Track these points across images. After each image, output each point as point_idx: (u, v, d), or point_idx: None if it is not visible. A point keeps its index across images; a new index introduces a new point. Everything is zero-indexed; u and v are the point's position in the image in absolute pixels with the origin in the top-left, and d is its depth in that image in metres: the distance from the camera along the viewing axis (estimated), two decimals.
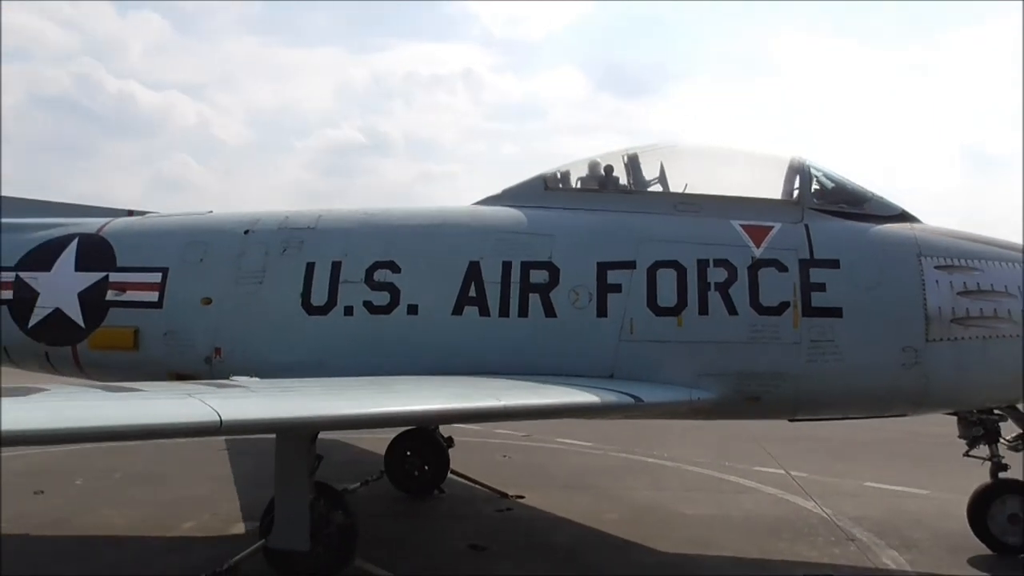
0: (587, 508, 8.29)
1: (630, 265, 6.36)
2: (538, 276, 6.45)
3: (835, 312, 6.05)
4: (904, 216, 6.53)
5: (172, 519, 7.87)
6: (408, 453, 8.96)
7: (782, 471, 10.19)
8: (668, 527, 7.53)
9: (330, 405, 4.58)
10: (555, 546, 7.05)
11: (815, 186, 6.61)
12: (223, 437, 12.08)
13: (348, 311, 6.66)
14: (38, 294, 7.25)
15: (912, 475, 9.79)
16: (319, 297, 6.73)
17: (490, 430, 12.62)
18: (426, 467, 8.88)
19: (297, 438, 5.63)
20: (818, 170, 6.70)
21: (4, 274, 7.37)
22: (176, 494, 9.03)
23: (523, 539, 7.27)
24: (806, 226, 6.36)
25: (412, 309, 6.58)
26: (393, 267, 6.69)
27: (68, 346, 7.18)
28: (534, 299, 6.41)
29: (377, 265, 6.71)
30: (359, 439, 12.32)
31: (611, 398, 5.44)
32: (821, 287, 6.12)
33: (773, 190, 6.72)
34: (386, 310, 6.61)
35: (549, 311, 6.37)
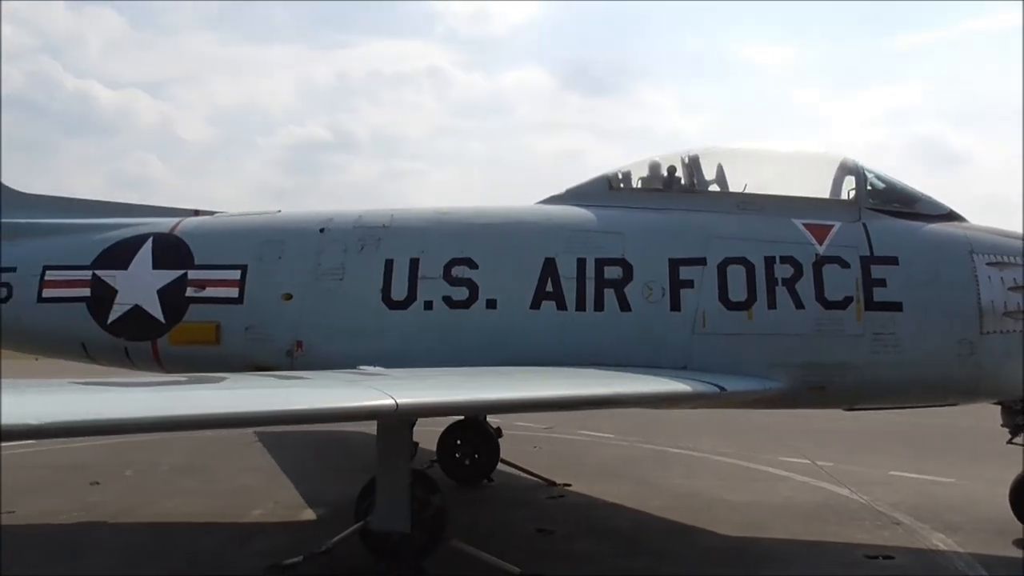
0: (632, 495, 8.64)
1: (701, 262, 6.71)
2: (612, 272, 6.78)
3: (895, 306, 6.46)
4: (952, 215, 6.97)
5: (238, 508, 8.07)
6: (459, 443, 9.25)
7: (807, 461, 10.63)
8: (716, 513, 7.88)
9: (495, 391, 4.84)
10: (618, 530, 7.39)
11: (869, 186, 7.02)
12: (251, 430, 12.34)
13: (428, 305, 6.92)
14: (116, 291, 7.39)
15: (931, 465, 10.27)
16: (399, 292, 6.99)
17: (511, 422, 12.92)
18: (476, 456, 9.18)
19: (398, 426, 5.90)
20: (871, 171, 7.11)
21: (81, 272, 7.51)
22: (229, 485, 9.22)
23: (584, 524, 7.60)
24: (864, 225, 6.76)
25: (491, 304, 6.86)
26: (470, 264, 6.96)
27: (148, 341, 7.33)
28: (609, 294, 6.73)
29: (455, 262, 6.98)
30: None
31: (701, 388, 5.79)
32: (882, 283, 6.52)
33: (829, 190, 7.12)
34: (465, 304, 6.88)
35: (624, 305, 6.70)
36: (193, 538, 7.01)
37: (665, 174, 7.40)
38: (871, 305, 6.49)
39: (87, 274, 7.49)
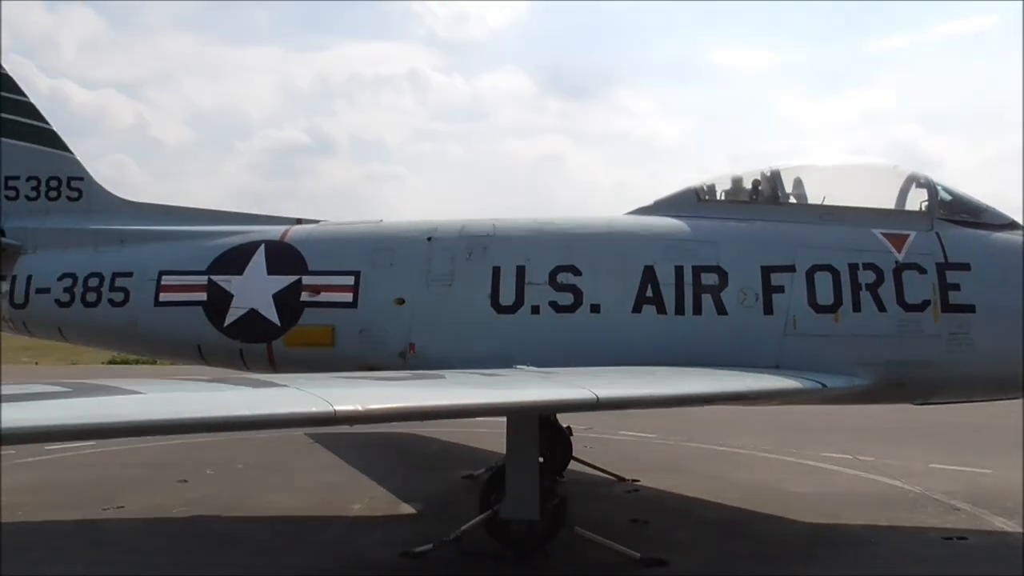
0: (703, 489, 9.18)
1: (790, 268, 7.27)
2: (709, 278, 7.31)
3: (969, 308, 7.07)
4: (1013, 224, 7.62)
5: (337, 503, 8.47)
6: None
7: (849, 456, 11.27)
8: (790, 503, 8.45)
9: (670, 387, 5.34)
10: (707, 519, 7.93)
11: (939, 198, 7.64)
12: (301, 432, 12.70)
13: (535, 310, 7.40)
14: (232, 295, 7.77)
15: (965, 457, 10.95)
16: (507, 297, 7.45)
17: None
18: (548, 454, 9.63)
19: (528, 421, 6.38)
20: (939, 184, 7.73)
21: (196, 277, 7.87)
22: (315, 482, 9.59)
23: (674, 514, 8.13)
24: (937, 234, 7.36)
25: (595, 308, 7.35)
26: (574, 270, 7.46)
27: (263, 344, 7.72)
28: (706, 299, 7.26)
29: (559, 269, 7.47)
30: (439, 432, 13.00)
31: (808, 384, 6.34)
32: (956, 287, 7.13)
33: (899, 201, 7.73)
34: (570, 309, 7.37)
35: (720, 309, 7.24)
36: (313, 530, 7.41)
37: (749, 187, 7.96)
38: (947, 307, 7.10)
39: (203, 279, 7.86)
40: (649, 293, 7.33)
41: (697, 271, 7.33)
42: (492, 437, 12.47)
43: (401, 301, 7.60)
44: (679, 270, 7.35)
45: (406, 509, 8.32)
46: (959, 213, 7.58)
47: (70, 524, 7.66)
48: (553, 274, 7.46)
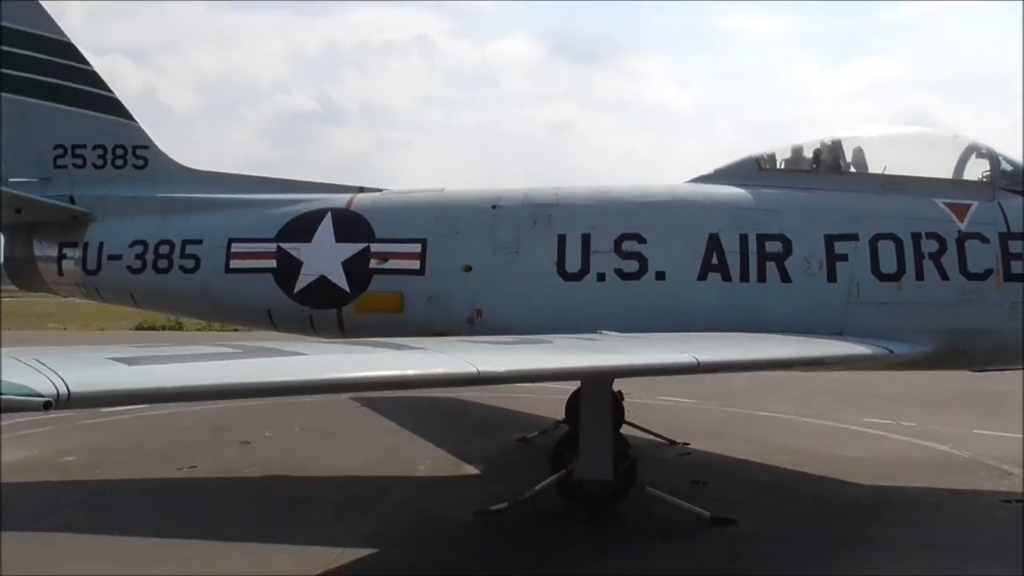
0: (754, 452, 9.38)
1: (853, 237, 7.36)
2: (773, 246, 7.41)
3: None
4: None
5: (401, 465, 8.73)
6: None
7: (891, 421, 11.42)
8: (843, 466, 8.62)
9: (762, 352, 5.53)
10: (763, 482, 8.13)
11: (1000, 168, 7.68)
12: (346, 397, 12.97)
13: (600, 277, 7.54)
14: (302, 263, 7.94)
15: (1005, 423, 11.05)
16: (572, 265, 7.59)
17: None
18: None
19: (603, 384, 6.57)
20: (1002, 155, 7.77)
21: (266, 244, 8.04)
22: (374, 444, 9.83)
23: (731, 477, 8.33)
24: (999, 204, 7.42)
25: (660, 275, 7.49)
26: (639, 238, 7.57)
27: (333, 310, 7.91)
28: (770, 267, 7.38)
29: (624, 237, 7.59)
30: (480, 398, 13.24)
31: (877, 351, 6.49)
32: (1018, 256, 7.20)
33: (962, 172, 7.77)
34: (636, 276, 7.50)
35: (784, 277, 7.35)
36: (384, 490, 7.67)
37: (810, 156, 8.02)
38: (1009, 276, 7.18)
39: (272, 246, 8.03)
40: (714, 261, 7.45)
41: (761, 239, 7.43)
42: (532, 402, 12.78)
43: (468, 268, 7.75)
44: (743, 238, 7.45)
45: (469, 470, 8.57)
46: (1021, 183, 7.62)
47: (149, 482, 7.96)
48: (618, 242, 7.58)
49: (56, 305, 55.89)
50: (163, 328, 34.84)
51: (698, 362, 4.60)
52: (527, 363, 3.87)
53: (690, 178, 8.29)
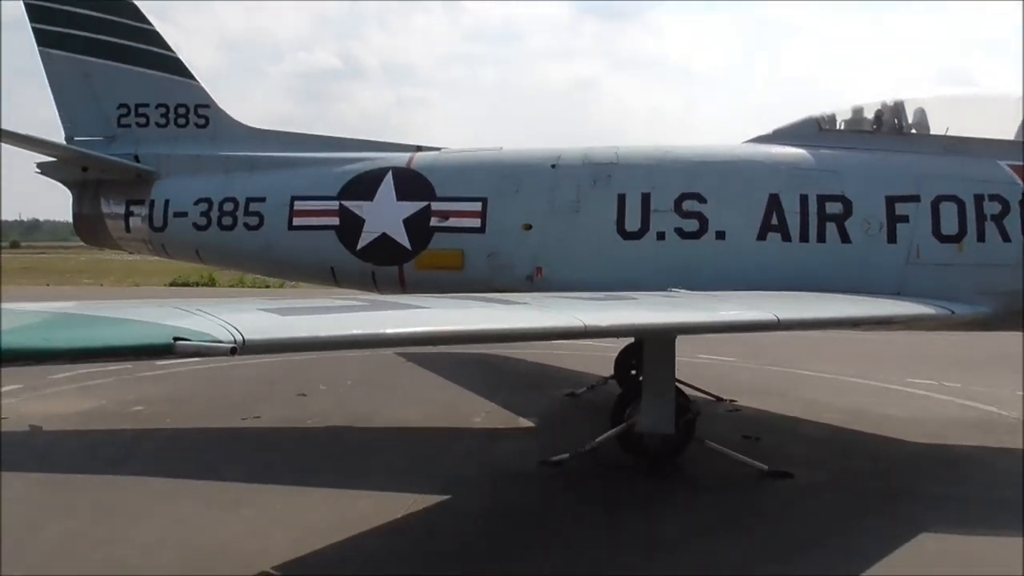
0: (802, 410, 9.52)
1: (915, 199, 7.38)
2: (833, 207, 7.45)
3: None
4: None
5: (457, 417, 8.99)
6: (633, 361, 10.10)
7: (934, 382, 11.50)
8: (893, 425, 8.74)
9: (832, 310, 5.66)
10: (816, 438, 8.29)
11: None
12: (399, 351, 13.25)
13: (660, 236, 7.64)
14: (364, 220, 8.11)
15: None
16: (632, 224, 7.69)
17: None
18: None
19: (666, 341, 6.72)
20: None
21: (328, 202, 8.21)
22: (425, 397, 10.09)
23: (782, 433, 8.49)
24: None
25: (720, 235, 7.57)
26: (699, 198, 7.64)
27: (395, 266, 8.10)
28: (831, 227, 7.43)
29: (684, 196, 7.66)
30: (521, 354, 13.47)
31: (940, 311, 6.56)
32: None
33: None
34: (695, 236, 7.60)
35: (844, 238, 7.40)
36: (447, 440, 7.94)
37: (871, 117, 7.99)
38: None
39: (334, 204, 8.20)
40: (774, 221, 7.51)
41: (822, 200, 7.47)
42: (572, 358, 12.99)
43: (528, 227, 7.88)
44: (804, 199, 7.50)
45: (524, 423, 8.80)
46: None
47: (219, 431, 8.28)
48: (679, 201, 7.66)
49: (87, 261, 57.06)
50: (196, 284, 35.50)
51: (778, 319, 4.73)
52: (626, 318, 4.02)
53: (747, 138, 8.33)
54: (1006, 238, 7.23)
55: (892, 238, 7.35)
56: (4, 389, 9.96)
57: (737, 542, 5.35)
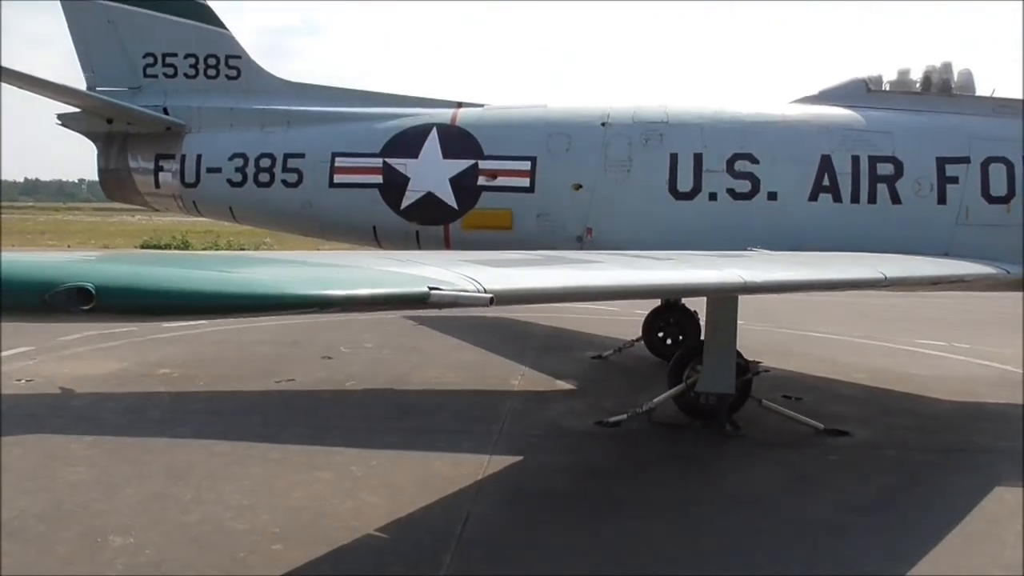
0: (829, 370, 9.70)
1: (965, 160, 7.48)
2: (884, 168, 7.52)
3: None
4: None
5: (492, 379, 8.95)
6: (662, 324, 10.17)
7: (944, 343, 11.80)
8: (920, 383, 8.97)
9: (909, 270, 5.68)
10: (852, 396, 8.44)
11: None
12: (407, 314, 13.14)
13: (712, 197, 7.62)
14: (408, 178, 7.92)
15: None
16: (684, 184, 7.66)
17: (630, 310, 13.80)
18: (680, 336, 10.10)
19: (729, 300, 6.74)
20: None
21: (371, 160, 7.99)
22: (453, 359, 10.01)
23: (820, 393, 8.61)
24: None
25: (772, 196, 7.58)
26: (751, 158, 7.63)
27: (440, 226, 7.95)
28: (881, 188, 7.50)
29: (736, 156, 7.64)
30: (534, 318, 13.45)
31: (996, 271, 6.69)
32: None
33: None
34: (747, 196, 7.60)
35: (895, 199, 7.48)
36: (494, 402, 7.87)
37: (918, 78, 8.03)
38: None
39: (377, 161, 7.99)
40: (826, 182, 7.55)
41: (873, 161, 7.53)
42: (577, 322, 13.03)
43: (579, 186, 7.79)
44: (855, 160, 7.54)
45: (563, 385, 8.79)
46: None
47: (257, 394, 8.09)
48: (731, 162, 7.64)
49: (47, 222, 55.22)
50: (168, 247, 34.65)
51: (885, 277, 4.76)
52: (781, 275, 4.06)
53: (794, 99, 8.31)
54: None
55: (942, 199, 7.46)
56: (14, 351, 9.67)
57: (822, 497, 5.44)
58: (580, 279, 3.06)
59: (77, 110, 8.52)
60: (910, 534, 4.86)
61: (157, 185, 8.47)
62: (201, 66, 8.54)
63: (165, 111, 8.45)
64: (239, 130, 8.32)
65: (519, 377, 9.10)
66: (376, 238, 8.23)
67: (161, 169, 8.40)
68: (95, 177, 8.95)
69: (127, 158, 8.46)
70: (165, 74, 8.54)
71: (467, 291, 2.51)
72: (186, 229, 37.35)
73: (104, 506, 5.05)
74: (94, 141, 8.62)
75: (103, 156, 8.57)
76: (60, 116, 8.58)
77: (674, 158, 7.69)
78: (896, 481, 5.82)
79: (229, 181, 8.22)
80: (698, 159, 7.67)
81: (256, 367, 9.27)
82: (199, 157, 8.30)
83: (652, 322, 10.22)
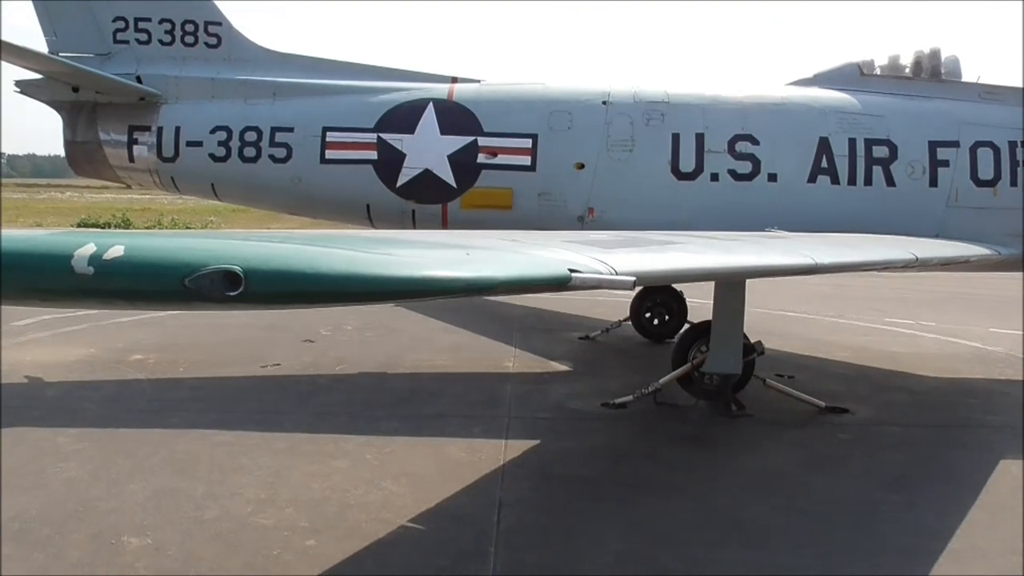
0: (814, 349, 9.85)
1: (955, 144, 7.64)
2: (880, 151, 7.62)
3: None
4: None
5: (488, 362, 8.78)
6: (649, 305, 10.16)
7: (911, 321, 12.15)
8: (901, 360, 9.19)
9: (931, 251, 5.73)
10: (843, 375, 8.57)
11: None
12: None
13: (714, 177, 7.60)
14: (404, 155, 7.64)
15: (1007, 322, 11.94)
16: (686, 164, 7.61)
17: (628, 293, 13.78)
18: (667, 317, 10.12)
19: (735, 283, 6.73)
20: None
21: (365, 135, 7.68)
22: (441, 342, 9.78)
23: (810, 371, 8.71)
24: None
25: (772, 177, 7.61)
26: (752, 140, 7.63)
27: (438, 205, 7.71)
28: (877, 171, 7.61)
29: (738, 138, 7.63)
30: (510, 299, 13.29)
31: (990, 252, 6.87)
32: None
33: None
34: (748, 177, 7.61)
35: (890, 181, 7.61)
36: (494, 384, 7.73)
37: (908, 64, 8.15)
38: None
39: (371, 137, 7.69)
40: (824, 164, 7.62)
41: (869, 144, 7.63)
42: (560, 302, 12.94)
43: (581, 166, 7.66)
44: (852, 142, 7.63)
45: (558, 366, 8.70)
46: None
47: (244, 380, 7.75)
48: (732, 143, 7.63)
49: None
50: (106, 226, 33.09)
51: (916, 257, 4.82)
52: (843, 256, 4.03)
53: (788, 81, 8.34)
54: None
55: (933, 182, 7.62)
56: None
57: (845, 476, 5.50)
58: (704, 262, 2.96)
59: (38, 76, 7.92)
60: (935, 509, 4.96)
61: (131, 159, 7.96)
62: (178, 32, 8.04)
63: (138, 80, 7.93)
64: (221, 101, 7.88)
65: (512, 359, 8.96)
66: (369, 216, 7.94)
67: (135, 142, 7.89)
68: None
69: (96, 130, 7.92)
70: (138, 40, 8.01)
71: (605, 274, 2.37)
72: (124, 207, 35.84)
73: (110, 504, 4.74)
74: (58, 110, 8.04)
75: (69, 127, 8.00)
76: (19, 83, 7.96)
77: (676, 138, 7.64)
78: (907, 456, 5.94)
79: (211, 155, 7.79)
80: (700, 139, 7.63)
81: (237, 352, 8.88)
82: (178, 130, 7.83)
83: (639, 303, 10.20)
